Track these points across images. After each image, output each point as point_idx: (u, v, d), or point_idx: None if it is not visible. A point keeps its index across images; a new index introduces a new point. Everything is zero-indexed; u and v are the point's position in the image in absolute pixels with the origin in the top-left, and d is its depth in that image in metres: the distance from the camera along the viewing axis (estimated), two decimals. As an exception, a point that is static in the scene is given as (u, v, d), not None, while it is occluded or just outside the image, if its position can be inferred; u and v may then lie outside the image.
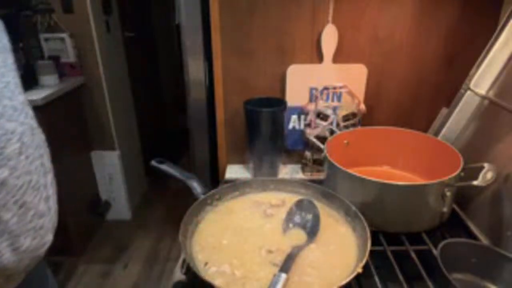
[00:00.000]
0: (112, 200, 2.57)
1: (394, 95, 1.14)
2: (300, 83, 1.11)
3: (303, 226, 0.78)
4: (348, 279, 0.60)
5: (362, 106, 1.08)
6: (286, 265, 0.66)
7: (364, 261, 0.63)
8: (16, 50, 1.86)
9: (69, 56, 2.16)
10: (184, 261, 0.74)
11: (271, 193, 0.89)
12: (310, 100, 1.12)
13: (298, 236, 0.76)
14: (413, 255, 0.76)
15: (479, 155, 0.88)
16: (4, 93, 0.58)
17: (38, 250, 0.63)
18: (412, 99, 1.13)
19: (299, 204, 0.82)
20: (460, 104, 0.97)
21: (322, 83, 1.08)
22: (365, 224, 0.72)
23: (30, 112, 0.66)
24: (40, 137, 0.66)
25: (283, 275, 0.63)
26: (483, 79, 0.92)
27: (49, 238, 0.65)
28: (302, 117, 1.15)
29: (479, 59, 0.92)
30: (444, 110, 1.07)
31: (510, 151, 0.82)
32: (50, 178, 0.69)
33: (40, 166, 0.65)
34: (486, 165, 0.77)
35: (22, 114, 0.61)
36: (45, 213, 0.65)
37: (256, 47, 1.09)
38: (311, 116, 1.10)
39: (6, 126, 0.57)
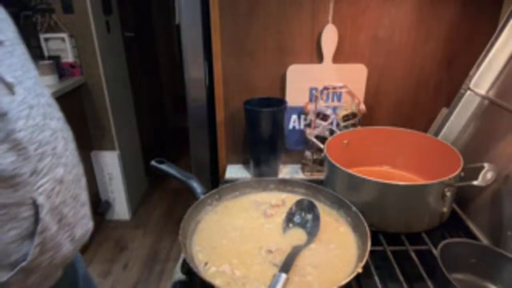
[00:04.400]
0: (112, 200, 2.57)
1: (394, 95, 1.14)
2: (300, 83, 1.11)
3: (303, 226, 0.78)
4: (348, 279, 0.60)
5: (362, 106, 1.08)
6: (286, 265, 0.66)
7: (364, 261, 0.63)
8: (16, 50, 1.86)
9: (69, 56, 2.16)
10: (184, 261, 0.74)
11: (271, 193, 0.89)
12: (310, 100, 1.12)
13: (298, 236, 0.76)
14: (413, 255, 0.76)
15: (479, 155, 0.88)
16: (37, 90, 0.59)
17: (84, 237, 0.69)
18: (412, 99, 1.13)
19: (299, 204, 0.82)
20: (460, 104, 0.97)
21: (322, 83, 1.08)
22: (365, 224, 0.72)
23: (55, 103, 0.67)
24: (67, 127, 0.69)
25: (283, 275, 0.63)
26: (483, 79, 0.92)
27: (91, 224, 0.72)
28: (302, 117, 1.15)
29: (479, 59, 0.92)
30: (444, 110, 1.07)
31: (510, 151, 0.82)
32: (82, 167, 0.71)
33: (77, 156, 0.68)
34: (486, 165, 0.77)
35: (55, 109, 0.63)
36: (86, 202, 0.71)
37: (256, 47, 1.09)
38: (311, 116, 1.10)
39: (51, 125, 0.59)
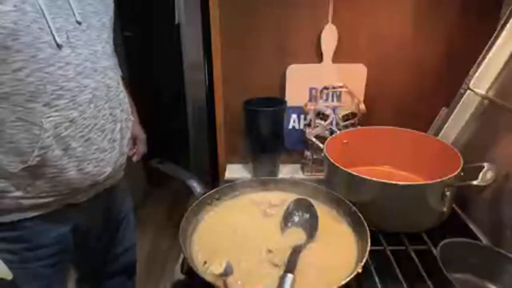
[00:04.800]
0: (112, 200, 2.57)
1: (394, 95, 1.13)
2: (300, 83, 1.11)
3: (301, 225, 0.78)
4: (347, 279, 0.60)
5: (362, 106, 1.08)
6: (291, 265, 0.65)
7: (364, 261, 0.63)
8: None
9: (69, 56, 2.16)
10: (184, 261, 0.74)
11: (271, 193, 0.89)
12: (310, 100, 1.12)
13: (297, 235, 0.76)
14: (413, 255, 0.76)
15: (479, 155, 0.88)
16: (89, 58, 0.81)
17: (98, 176, 0.87)
18: (412, 99, 1.13)
19: (296, 204, 0.82)
20: (460, 104, 0.97)
21: (322, 83, 1.08)
22: (365, 223, 0.72)
23: (113, 75, 0.89)
24: (116, 95, 0.89)
25: (290, 275, 0.62)
26: (483, 79, 0.92)
27: (108, 169, 0.89)
28: (302, 117, 1.15)
29: (479, 59, 0.92)
30: (444, 110, 1.07)
31: (510, 150, 0.82)
32: (119, 126, 0.91)
33: (109, 115, 0.86)
34: (486, 164, 0.77)
35: (100, 75, 0.84)
36: (107, 151, 0.87)
37: (256, 47, 1.09)
38: (311, 116, 1.10)
39: (81, 81, 0.79)
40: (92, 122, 0.82)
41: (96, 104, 0.82)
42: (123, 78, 1.15)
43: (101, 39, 0.86)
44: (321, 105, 1.10)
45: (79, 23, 0.78)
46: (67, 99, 0.77)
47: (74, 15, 0.77)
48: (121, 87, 0.94)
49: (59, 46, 0.74)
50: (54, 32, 0.72)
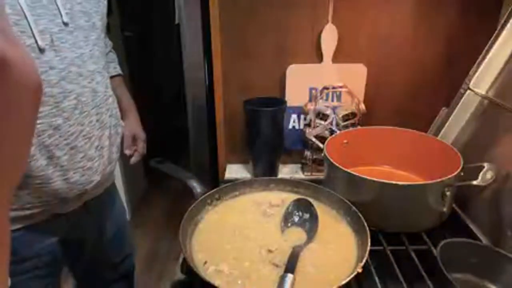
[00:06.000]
0: (112, 200, 2.56)
1: (394, 95, 1.13)
2: (300, 83, 1.11)
3: (301, 225, 0.78)
4: (348, 279, 0.60)
5: (362, 106, 1.08)
6: (291, 265, 0.65)
7: (364, 261, 0.63)
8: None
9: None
10: (184, 261, 0.74)
11: (271, 193, 0.89)
12: (310, 100, 1.12)
13: (297, 235, 0.76)
14: (413, 255, 0.76)
15: (479, 155, 0.88)
16: (75, 61, 0.75)
17: (85, 186, 0.83)
18: (412, 99, 1.13)
19: (296, 204, 0.82)
20: (460, 104, 0.97)
21: (322, 83, 1.08)
22: (365, 223, 0.72)
23: (101, 79, 0.84)
24: (104, 100, 0.85)
25: (290, 275, 0.62)
26: (483, 79, 0.92)
27: (96, 178, 0.85)
28: (302, 116, 1.15)
29: (479, 59, 0.92)
30: (444, 110, 1.07)
31: (510, 151, 0.82)
32: (108, 133, 0.86)
33: (96, 121, 0.82)
34: (486, 164, 0.77)
35: (86, 80, 0.79)
36: (95, 158, 0.83)
37: (256, 47, 1.09)
38: (310, 116, 1.10)
39: (65, 87, 0.74)
40: (77, 129, 0.78)
41: (81, 110, 0.78)
42: (122, 76, 1.13)
43: (89, 41, 0.80)
44: (321, 105, 1.10)
45: (66, 24, 0.73)
46: (50, 105, 0.72)
47: (61, 15, 0.72)
48: (110, 91, 0.89)
49: (41, 50, 0.69)
50: (36, 35, 0.67)
